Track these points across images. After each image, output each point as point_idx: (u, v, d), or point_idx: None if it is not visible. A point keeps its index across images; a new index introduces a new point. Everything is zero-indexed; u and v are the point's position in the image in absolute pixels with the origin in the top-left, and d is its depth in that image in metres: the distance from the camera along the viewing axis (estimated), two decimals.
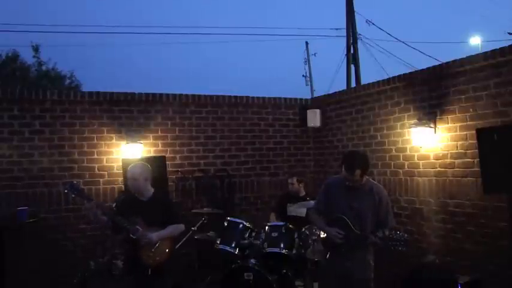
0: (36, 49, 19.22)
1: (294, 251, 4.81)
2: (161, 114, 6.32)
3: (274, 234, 4.86)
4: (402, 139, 5.47)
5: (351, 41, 14.33)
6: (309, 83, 23.14)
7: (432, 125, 4.96)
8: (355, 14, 14.52)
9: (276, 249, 4.78)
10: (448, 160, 4.85)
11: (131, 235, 3.81)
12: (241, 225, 4.99)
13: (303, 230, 4.90)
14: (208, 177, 6.45)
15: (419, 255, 4.90)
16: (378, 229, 3.72)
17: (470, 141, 4.55)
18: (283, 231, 4.87)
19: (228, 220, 5.06)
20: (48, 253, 5.30)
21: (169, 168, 5.98)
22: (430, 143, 5.01)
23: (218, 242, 4.93)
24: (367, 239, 3.69)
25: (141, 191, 3.98)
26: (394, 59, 16.05)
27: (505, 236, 4.05)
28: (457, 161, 4.76)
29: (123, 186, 5.60)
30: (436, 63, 5.49)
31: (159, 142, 6.28)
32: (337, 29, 17.01)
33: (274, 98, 7.02)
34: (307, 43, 22.98)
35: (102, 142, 5.97)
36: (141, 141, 6.00)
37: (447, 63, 4.92)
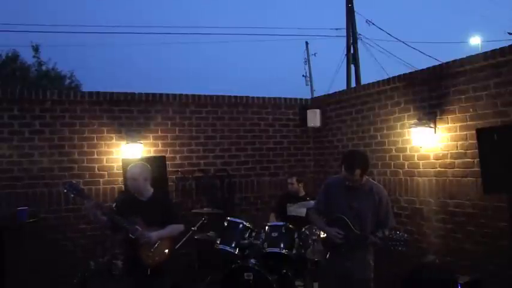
0: (36, 49, 19.23)
1: (294, 251, 4.81)
2: (161, 114, 6.32)
3: (274, 234, 4.86)
4: (402, 139, 5.47)
5: (351, 41, 14.34)
6: (309, 83, 23.15)
7: (432, 125, 4.96)
8: (355, 14, 14.55)
9: (276, 249, 4.78)
10: (448, 160, 4.85)
11: (130, 235, 3.81)
12: (241, 225, 4.99)
13: (303, 230, 4.90)
14: (208, 177, 6.45)
15: (419, 255, 4.89)
16: (377, 229, 3.72)
17: (470, 141, 4.55)
18: (283, 231, 4.87)
19: (228, 220, 5.06)
20: (48, 253, 5.30)
21: (169, 168, 5.98)
22: (430, 143, 5.01)
23: (218, 242, 4.93)
24: (367, 239, 3.69)
25: (140, 191, 3.98)
26: (394, 59, 16.08)
27: (505, 236, 4.05)
28: (457, 161, 4.76)
29: (123, 186, 5.60)
30: (436, 63, 5.50)
31: (159, 142, 6.28)
32: (337, 29, 17.04)
33: (274, 98, 7.02)
34: (307, 43, 23.01)
35: (102, 142, 5.97)
36: (141, 141, 6.00)
37: (447, 63, 4.92)
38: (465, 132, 4.66)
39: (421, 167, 5.20)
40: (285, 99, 7.09)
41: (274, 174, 6.92)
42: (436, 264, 4.70)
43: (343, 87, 13.56)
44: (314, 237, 4.67)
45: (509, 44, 4.30)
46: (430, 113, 5.03)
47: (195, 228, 5.30)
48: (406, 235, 3.60)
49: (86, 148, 5.89)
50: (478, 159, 3.93)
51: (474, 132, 4.14)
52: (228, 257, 4.95)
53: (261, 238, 4.91)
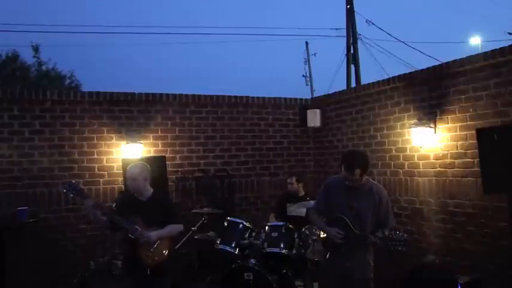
0: (36, 49, 19.23)
1: (294, 251, 4.81)
2: (161, 114, 6.32)
3: (274, 234, 4.86)
4: (402, 139, 5.47)
5: (351, 41, 14.34)
6: (309, 83, 23.16)
7: (432, 125, 4.96)
8: (355, 14, 14.56)
9: (276, 249, 4.78)
10: (448, 160, 4.85)
11: (130, 235, 3.81)
12: (241, 225, 4.99)
13: (303, 230, 4.89)
14: (208, 177, 6.45)
15: (419, 255, 4.89)
16: (377, 229, 3.72)
17: (470, 141, 4.55)
18: (283, 231, 4.87)
19: (228, 220, 5.06)
20: (48, 253, 5.30)
21: (169, 168, 5.98)
22: (430, 143, 5.01)
23: (218, 242, 4.93)
24: (367, 239, 3.68)
25: (140, 191, 3.98)
26: (394, 59, 16.08)
27: (505, 236, 4.05)
28: (457, 161, 4.76)
29: (123, 186, 5.59)
30: (436, 63, 5.50)
31: (159, 142, 6.28)
32: (337, 29, 17.06)
33: (274, 98, 7.01)
34: (307, 43, 23.03)
35: (102, 142, 5.97)
36: (141, 141, 6.00)
37: (447, 63, 4.92)
38: (465, 132, 4.66)
39: (421, 167, 5.20)
40: (285, 99, 7.09)
41: (274, 174, 6.92)
42: (436, 264, 4.70)
43: (343, 87, 13.57)
44: (314, 237, 4.67)
45: (509, 44, 4.30)
46: (430, 113, 5.03)
47: (195, 228, 5.30)
48: (406, 235, 3.60)
49: (86, 148, 5.89)
50: (478, 159, 3.93)
51: (474, 132, 4.14)
52: (228, 257, 4.95)
53: (261, 238, 4.91)
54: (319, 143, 7.09)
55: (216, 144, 6.62)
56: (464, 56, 4.72)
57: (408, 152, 5.37)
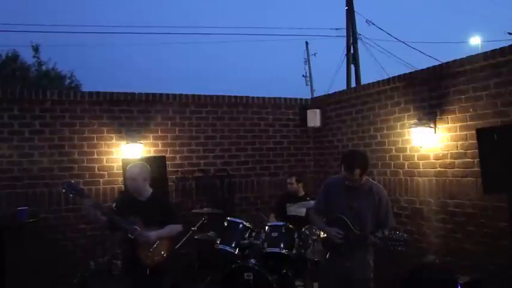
0: (36, 49, 19.21)
1: (294, 251, 4.81)
2: (161, 114, 6.32)
3: (274, 234, 4.86)
4: (402, 139, 5.46)
5: (351, 41, 14.33)
6: (309, 83, 23.16)
7: (432, 125, 4.96)
8: (355, 14, 14.54)
9: (276, 249, 4.78)
10: (448, 160, 4.85)
11: (129, 235, 3.81)
12: (241, 225, 4.99)
13: (303, 230, 4.89)
14: (208, 177, 6.45)
15: (419, 255, 4.89)
16: (377, 229, 3.72)
17: (470, 141, 4.55)
18: (283, 231, 4.87)
19: (228, 220, 5.06)
20: (48, 253, 5.30)
21: (169, 168, 5.98)
22: (430, 143, 5.01)
23: (218, 242, 4.93)
24: (367, 239, 3.68)
25: (139, 191, 3.98)
26: (394, 59, 16.07)
27: (505, 236, 4.05)
28: (457, 161, 4.76)
29: (123, 186, 5.59)
30: (436, 63, 5.50)
31: (159, 142, 6.28)
32: (337, 29, 17.04)
33: (274, 98, 7.01)
34: (307, 43, 23.03)
35: (102, 142, 5.97)
36: (141, 141, 6.00)
37: (447, 63, 4.92)
38: (465, 132, 4.66)
39: (421, 167, 5.20)
40: (285, 99, 7.09)
41: (274, 174, 6.92)
42: (436, 264, 4.70)
43: (343, 87, 13.56)
44: (314, 237, 4.67)
45: (509, 44, 4.30)
46: (430, 113, 5.03)
47: (195, 228, 5.30)
48: (406, 235, 3.60)
49: (86, 148, 5.89)
50: (478, 159, 3.93)
51: (474, 132, 4.14)
52: (228, 257, 4.95)
53: (261, 238, 4.91)
54: (319, 143, 7.09)
55: (216, 144, 6.62)
56: (464, 56, 4.72)
57: (408, 152, 5.37)
